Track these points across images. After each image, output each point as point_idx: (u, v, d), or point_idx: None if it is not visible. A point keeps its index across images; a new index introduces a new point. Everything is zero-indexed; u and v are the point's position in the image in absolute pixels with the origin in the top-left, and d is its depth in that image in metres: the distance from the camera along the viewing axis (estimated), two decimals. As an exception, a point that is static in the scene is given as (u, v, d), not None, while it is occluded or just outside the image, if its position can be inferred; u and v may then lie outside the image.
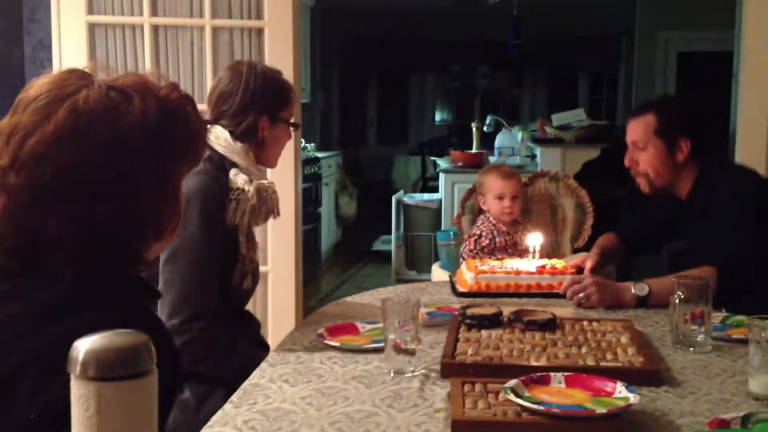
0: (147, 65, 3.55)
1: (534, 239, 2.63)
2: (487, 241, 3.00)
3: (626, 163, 2.51)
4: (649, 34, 8.83)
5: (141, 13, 3.52)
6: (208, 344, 1.93)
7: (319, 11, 8.55)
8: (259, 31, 3.57)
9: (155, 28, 3.55)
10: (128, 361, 0.69)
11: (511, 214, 3.02)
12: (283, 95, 2.14)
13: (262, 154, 2.13)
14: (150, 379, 0.69)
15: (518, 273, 2.41)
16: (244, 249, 2.04)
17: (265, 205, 2.05)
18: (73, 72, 1.13)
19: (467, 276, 2.44)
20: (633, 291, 2.22)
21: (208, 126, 2.06)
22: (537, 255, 2.58)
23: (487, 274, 2.40)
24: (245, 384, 1.60)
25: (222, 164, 2.02)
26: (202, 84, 3.62)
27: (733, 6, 3.88)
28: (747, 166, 2.62)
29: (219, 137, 2.05)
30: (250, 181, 2.01)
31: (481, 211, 3.38)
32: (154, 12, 3.51)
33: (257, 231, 3.63)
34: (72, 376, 0.70)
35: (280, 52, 3.53)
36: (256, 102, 2.06)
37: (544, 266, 2.46)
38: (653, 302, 2.20)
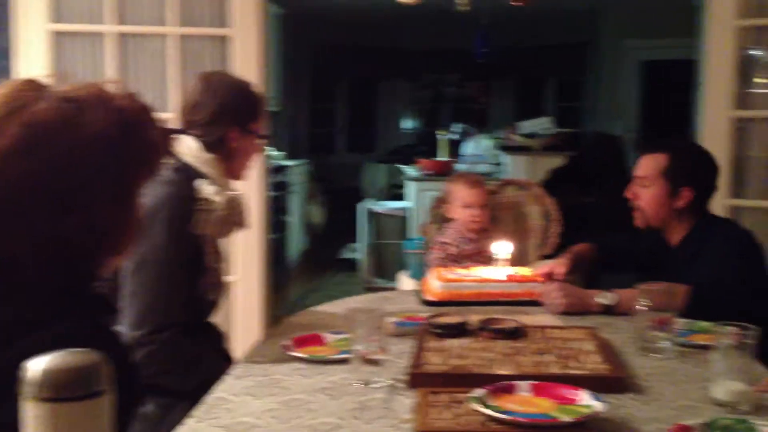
0: (112, 74, 3.51)
1: (501, 247, 2.64)
2: (455, 250, 3.00)
3: (628, 194, 2.54)
4: (614, 43, 8.94)
5: (106, 22, 3.48)
6: (172, 356, 1.90)
7: (288, 19, 8.53)
8: (226, 40, 3.55)
9: (121, 37, 3.51)
10: (83, 381, 0.67)
11: (478, 223, 3.02)
12: (254, 107, 2.13)
13: (231, 166, 2.11)
14: (105, 399, 0.67)
15: (486, 281, 2.42)
16: (210, 260, 2.03)
17: (233, 217, 2.03)
18: (27, 83, 1.10)
19: (434, 285, 2.43)
20: (599, 299, 2.24)
21: (177, 136, 2.04)
22: (504, 263, 2.59)
23: (454, 283, 2.40)
24: (208, 397, 1.57)
25: (190, 175, 2.00)
26: (168, 93, 3.58)
27: (695, 15, 3.94)
28: (741, 224, 2.65)
29: (188, 147, 2.03)
30: (219, 192, 1.99)
31: (448, 219, 3.39)
32: (119, 20, 3.48)
33: (223, 240, 3.61)
34: (24, 398, 0.68)
35: (247, 61, 3.51)
36: (226, 113, 2.05)
37: (511, 274, 2.47)
38: (619, 311, 2.22)
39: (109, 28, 3.47)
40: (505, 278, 2.44)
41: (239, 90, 2.10)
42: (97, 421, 0.67)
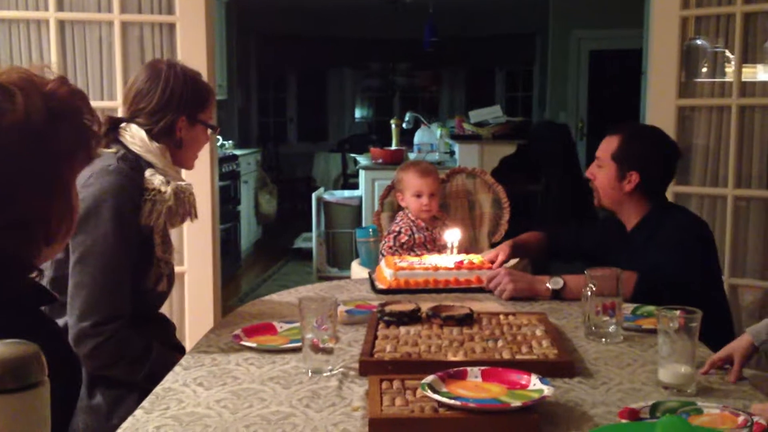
0: (53, 62, 3.42)
1: (452, 235, 2.65)
2: (406, 238, 3.00)
3: (586, 173, 2.56)
4: (562, 33, 9.04)
5: (46, 8, 3.39)
6: (120, 348, 1.87)
7: (234, 7, 8.43)
8: (171, 27, 3.49)
9: (61, 24, 3.43)
10: (18, 372, 0.65)
11: (429, 212, 3.03)
12: (203, 96, 2.10)
13: (179, 156, 2.08)
14: (41, 390, 0.66)
15: (437, 269, 2.43)
16: (159, 251, 1.99)
17: (182, 207, 2.00)
18: None
19: (386, 273, 2.44)
20: (548, 285, 2.27)
21: (124, 124, 2.00)
22: (455, 250, 2.61)
23: (405, 271, 2.41)
24: (157, 388, 1.55)
25: (137, 164, 1.96)
26: (112, 81, 3.51)
27: (641, 5, 4.00)
28: (695, 214, 2.68)
29: (135, 136, 1.99)
30: (167, 182, 1.96)
31: (400, 208, 3.39)
32: (59, 7, 3.39)
33: (173, 230, 3.56)
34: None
35: (193, 48, 3.46)
36: (174, 101, 2.01)
37: (461, 261, 2.49)
38: (568, 297, 2.26)
39: (50, 14, 3.38)
40: (454, 265, 2.46)
41: (188, 78, 2.06)
42: (36, 413, 0.65)
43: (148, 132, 2.00)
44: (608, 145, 2.49)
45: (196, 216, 2.09)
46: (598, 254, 2.58)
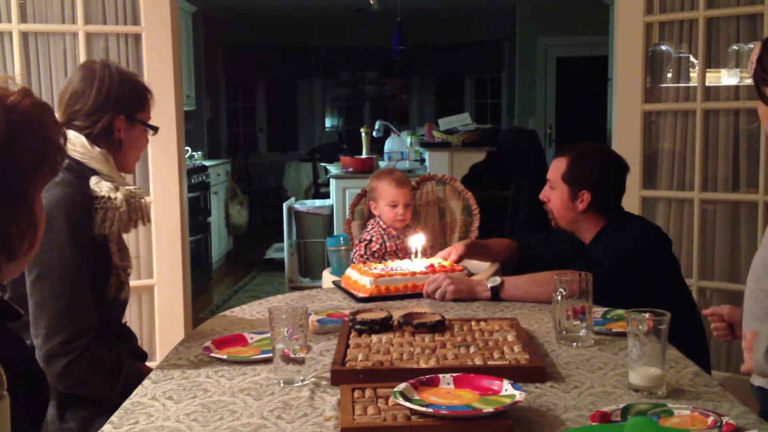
0: (17, 75, 3.38)
1: (416, 240, 2.68)
2: (378, 246, 3.00)
3: (540, 196, 2.59)
4: (529, 40, 9.13)
5: (9, 20, 3.35)
6: (93, 363, 1.82)
7: (200, 18, 8.39)
8: (137, 37, 3.46)
9: (25, 36, 3.39)
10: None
11: (403, 222, 3.03)
12: (140, 96, 2.04)
13: (119, 158, 2.01)
14: (1, 405, 0.64)
15: (414, 274, 2.46)
16: (117, 259, 1.94)
17: (135, 213, 1.95)
18: None
19: (365, 281, 2.44)
20: (487, 283, 2.34)
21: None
22: (419, 255, 2.64)
23: (385, 278, 2.43)
24: (126, 403, 1.53)
25: (82, 172, 1.91)
26: (78, 92, 3.47)
27: (606, 13, 4.05)
28: (649, 221, 2.70)
29: (75, 143, 1.92)
30: (116, 188, 1.91)
31: (371, 216, 3.39)
32: (23, 18, 3.36)
33: (139, 241, 3.52)
34: None
35: (160, 58, 3.44)
36: (111, 101, 1.95)
37: (432, 266, 2.52)
38: (506, 296, 2.32)
39: (13, 26, 3.34)
40: (428, 270, 2.48)
41: (124, 77, 2.00)
42: (2, 428, 0.63)
43: (87, 136, 1.94)
44: (557, 166, 2.53)
45: (148, 220, 2.03)
46: (561, 265, 2.60)
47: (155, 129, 2.09)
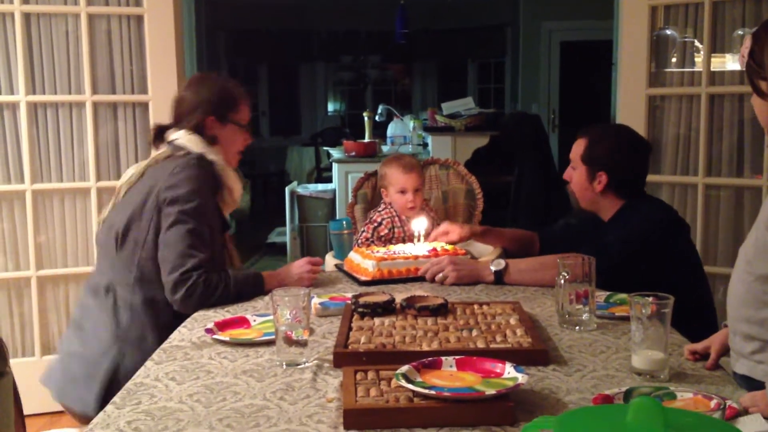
0: (19, 56, 3.37)
1: (418, 224, 2.68)
2: (386, 231, 2.97)
3: (564, 176, 2.59)
4: (533, 25, 9.08)
5: (11, 1, 3.33)
6: (206, 287, 2.16)
7: (202, 2, 8.35)
8: (139, 19, 3.44)
9: (27, 17, 3.38)
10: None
11: (413, 208, 2.99)
12: (230, 98, 2.42)
13: (221, 153, 2.38)
14: (5, 381, 0.64)
15: (416, 258, 2.46)
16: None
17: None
18: None
19: (367, 264, 2.44)
20: (491, 267, 2.34)
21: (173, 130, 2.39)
22: (422, 239, 2.63)
23: (388, 261, 2.43)
24: (128, 384, 1.53)
25: (206, 161, 2.31)
26: (79, 74, 3.47)
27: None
28: (667, 204, 2.66)
29: (191, 141, 2.34)
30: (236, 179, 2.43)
31: (373, 199, 3.39)
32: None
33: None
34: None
35: (161, 40, 3.43)
36: (203, 103, 2.36)
37: (435, 249, 2.52)
38: (510, 281, 2.33)
39: (15, 7, 3.33)
40: (431, 253, 2.48)
41: (216, 82, 2.43)
42: (6, 403, 0.64)
43: (197, 135, 2.34)
44: (578, 147, 2.53)
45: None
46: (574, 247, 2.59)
47: (245, 127, 2.45)
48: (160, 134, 2.40)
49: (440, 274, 2.36)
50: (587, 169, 2.49)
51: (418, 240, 2.63)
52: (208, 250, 2.23)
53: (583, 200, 2.54)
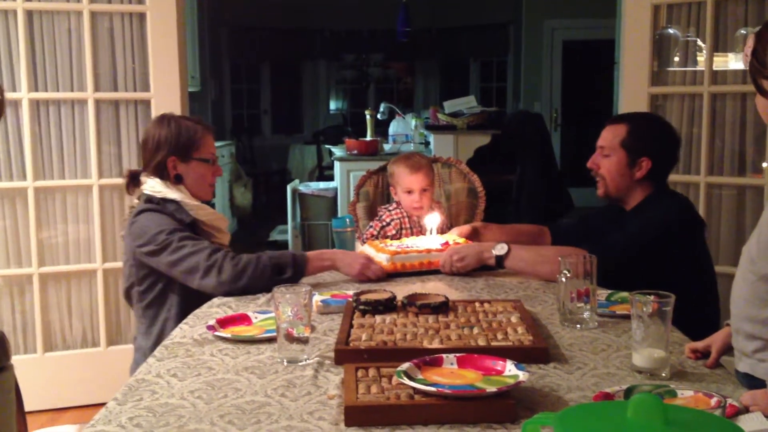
0: (21, 53, 3.37)
1: (432, 220, 2.69)
2: (394, 232, 2.95)
3: (588, 164, 2.56)
4: (535, 24, 9.07)
5: (11, -2, 3.34)
6: (234, 265, 2.29)
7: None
8: (141, 17, 3.45)
9: (29, 14, 3.38)
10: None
11: (420, 209, 2.95)
12: (189, 138, 2.48)
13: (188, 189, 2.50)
14: (7, 375, 0.64)
15: (429, 251, 2.51)
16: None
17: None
18: None
19: (381, 258, 2.48)
20: (493, 250, 2.40)
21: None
22: (434, 232, 2.67)
23: (401, 255, 2.48)
24: (130, 380, 1.53)
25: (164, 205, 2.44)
26: (82, 72, 3.47)
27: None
28: (686, 198, 2.64)
29: (152, 185, 2.45)
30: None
31: (375, 197, 3.39)
32: (27, -4, 3.34)
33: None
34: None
35: (164, 38, 3.43)
36: (162, 146, 2.46)
37: (447, 242, 2.57)
38: (509, 266, 2.39)
39: (17, 4, 3.33)
40: (441, 246, 2.53)
41: (175, 123, 2.48)
42: (7, 397, 0.64)
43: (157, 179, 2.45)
44: (614, 133, 2.50)
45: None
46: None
47: (209, 161, 2.53)
48: (133, 179, 2.52)
49: (457, 265, 2.44)
50: (627, 155, 2.46)
51: (431, 233, 2.66)
52: (211, 244, 2.34)
53: (615, 187, 2.51)
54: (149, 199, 2.44)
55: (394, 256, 2.46)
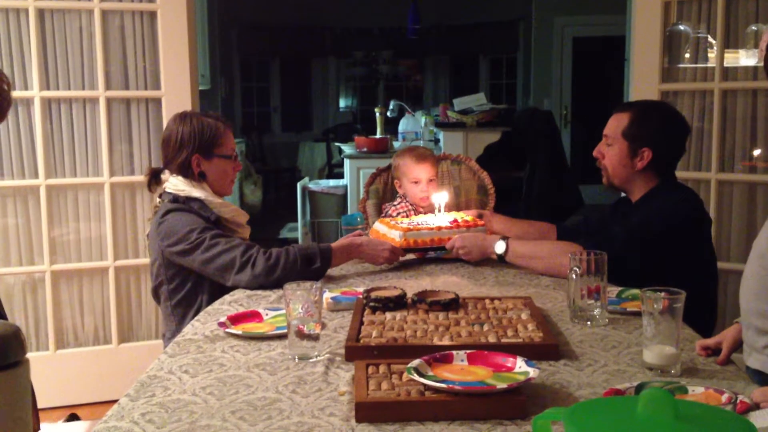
0: (33, 52, 3.39)
1: (439, 197, 2.73)
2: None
3: (594, 153, 2.52)
4: (545, 20, 9.05)
5: (24, -3, 3.36)
6: (266, 259, 2.30)
7: (215, -3, 8.37)
8: (152, 15, 3.46)
9: (41, 12, 3.40)
10: (5, 351, 0.64)
11: (427, 199, 2.99)
12: (211, 135, 2.50)
13: (210, 187, 2.53)
14: (22, 369, 0.65)
15: (440, 228, 2.58)
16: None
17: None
18: None
19: (394, 234, 2.56)
20: (495, 247, 2.46)
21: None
22: (443, 210, 2.71)
23: (413, 232, 2.55)
24: (142, 376, 1.54)
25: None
26: (93, 70, 3.49)
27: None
28: (694, 193, 2.55)
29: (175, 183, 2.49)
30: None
31: (385, 195, 3.39)
32: (39, -5, 3.36)
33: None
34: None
35: (174, 37, 3.44)
36: (184, 144, 2.48)
37: (456, 220, 2.64)
38: (510, 259, 2.44)
39: (29, 3, 3.35)
40: (452, 224, 2.60)
41: (196, 120, 2.50)
42: (17, 391, 0.65)
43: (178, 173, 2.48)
44: (618, 122, 2.45)
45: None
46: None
47: (231, 158, 2.55)
48: (154, 177, 2.54)
49: (460, 251, 2.52)
50: (628, 145, 2.42)
51: (439, 211, 2.69)
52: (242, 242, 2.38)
53: (617, 177, 2.47)
54: (175, 199, 2.47)
55: (407, 232, 2.53)
